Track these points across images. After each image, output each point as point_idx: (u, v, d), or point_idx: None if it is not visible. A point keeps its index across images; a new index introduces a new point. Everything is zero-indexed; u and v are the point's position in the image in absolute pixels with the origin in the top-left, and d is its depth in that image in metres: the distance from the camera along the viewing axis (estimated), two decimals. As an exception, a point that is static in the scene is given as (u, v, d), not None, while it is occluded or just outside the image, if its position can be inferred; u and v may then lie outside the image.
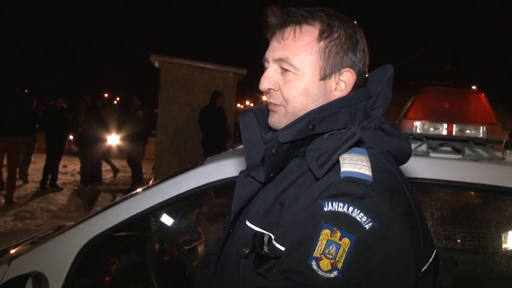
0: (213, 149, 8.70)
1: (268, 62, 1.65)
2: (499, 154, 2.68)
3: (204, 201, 4.12)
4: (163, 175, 3.36)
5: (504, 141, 2.71)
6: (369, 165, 1.44)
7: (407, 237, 1.36)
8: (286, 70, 1.60)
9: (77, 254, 2.54)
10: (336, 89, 1.61)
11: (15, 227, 8.47)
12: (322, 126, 1.54)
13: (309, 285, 1.28)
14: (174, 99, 11.18)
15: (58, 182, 12.68)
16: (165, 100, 11.27)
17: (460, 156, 2.61)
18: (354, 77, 1.62)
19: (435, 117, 2.68)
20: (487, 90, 2.82)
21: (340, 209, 1.32)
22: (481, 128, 2.61)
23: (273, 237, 1.48)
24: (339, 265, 1.26)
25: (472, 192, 3.01)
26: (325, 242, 1.29)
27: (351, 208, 1.31)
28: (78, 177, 13.68)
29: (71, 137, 14.82)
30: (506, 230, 2.87)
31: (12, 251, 2.83)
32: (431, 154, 2.63)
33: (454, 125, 2.64)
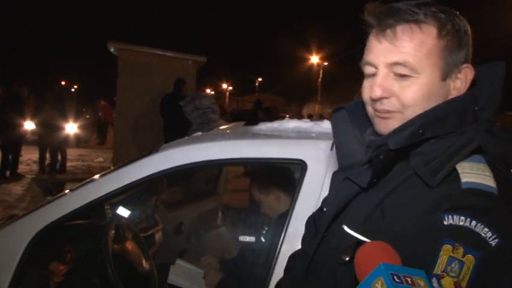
0: (174, 136, 8.66)
1: (374, 66, 1.51)
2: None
3: (161, 188, 4.13)
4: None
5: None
6: (491, 175, 1.32)
7: None
8: (403, 75, 1.46)
9: (28, 243, 2.52)
10: (453, 88, 1.51)
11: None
12: (431, 131, 1.41)
13: None
14: (132, 87, 11.04)
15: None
16: (123, 88, 11.13)
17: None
18: (472, 72, 1.52)
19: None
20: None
21: (462, 223, 1.21)
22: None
23: None
24: (463, 284, 1.17)
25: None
26: (446, 259, 1.19)
27: (473, 222, 1.21)
28: (34, 167, 13.72)
29: (28, 126, 14.46)
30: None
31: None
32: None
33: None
